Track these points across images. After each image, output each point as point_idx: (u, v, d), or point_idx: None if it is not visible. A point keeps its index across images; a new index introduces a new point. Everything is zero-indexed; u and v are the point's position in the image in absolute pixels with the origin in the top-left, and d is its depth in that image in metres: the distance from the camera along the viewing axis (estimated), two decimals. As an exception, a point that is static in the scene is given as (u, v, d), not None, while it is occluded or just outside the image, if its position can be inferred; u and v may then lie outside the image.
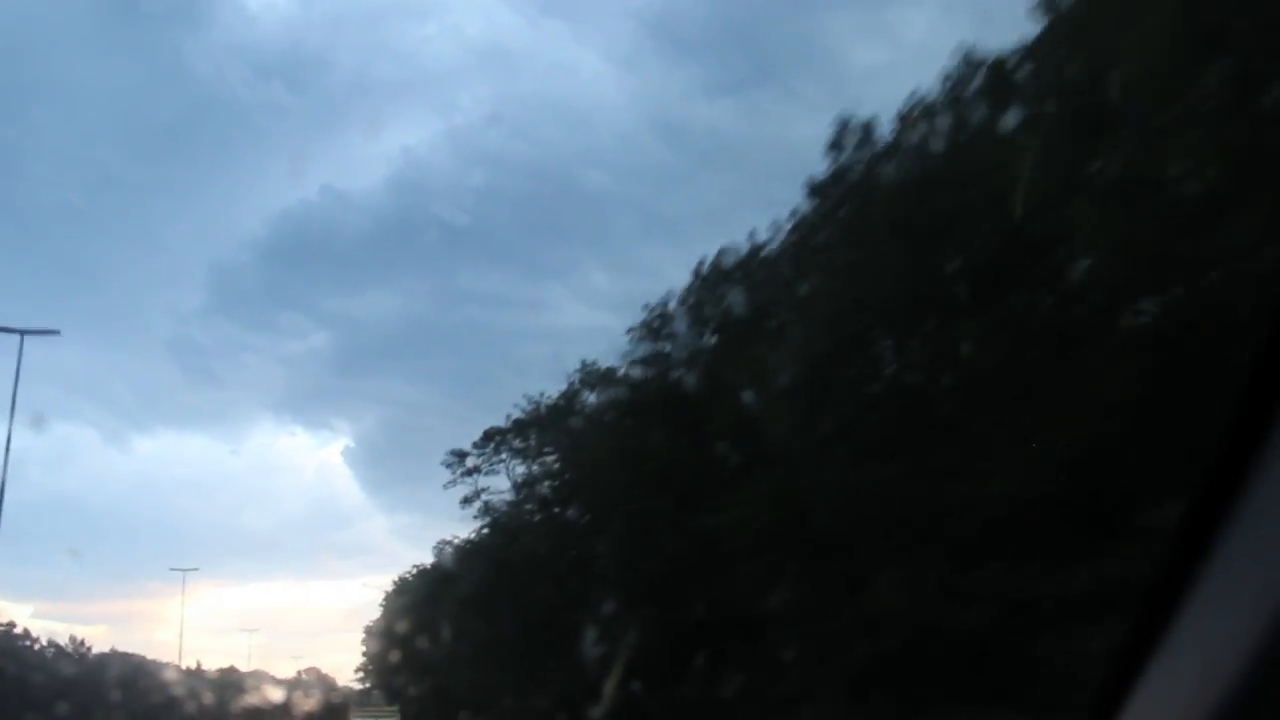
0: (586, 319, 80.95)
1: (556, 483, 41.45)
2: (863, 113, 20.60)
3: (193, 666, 75.26)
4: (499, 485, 48.75)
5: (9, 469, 31.09)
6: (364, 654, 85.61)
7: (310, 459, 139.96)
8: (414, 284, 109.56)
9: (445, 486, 49.04)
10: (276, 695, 63.14)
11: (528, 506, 45.53)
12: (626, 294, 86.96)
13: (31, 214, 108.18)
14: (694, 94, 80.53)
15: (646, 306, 31.82)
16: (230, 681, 67.55)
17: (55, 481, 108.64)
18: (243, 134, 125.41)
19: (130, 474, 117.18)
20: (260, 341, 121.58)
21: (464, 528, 52.62)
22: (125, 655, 66.92)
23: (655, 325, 31.03)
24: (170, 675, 58.57)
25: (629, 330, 32.34)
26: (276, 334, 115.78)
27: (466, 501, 49.18)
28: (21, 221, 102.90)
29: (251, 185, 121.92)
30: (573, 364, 39.95)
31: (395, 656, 55.83)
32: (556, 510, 39.40)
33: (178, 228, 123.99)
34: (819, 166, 22.12)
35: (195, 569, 60.55)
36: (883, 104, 20.88)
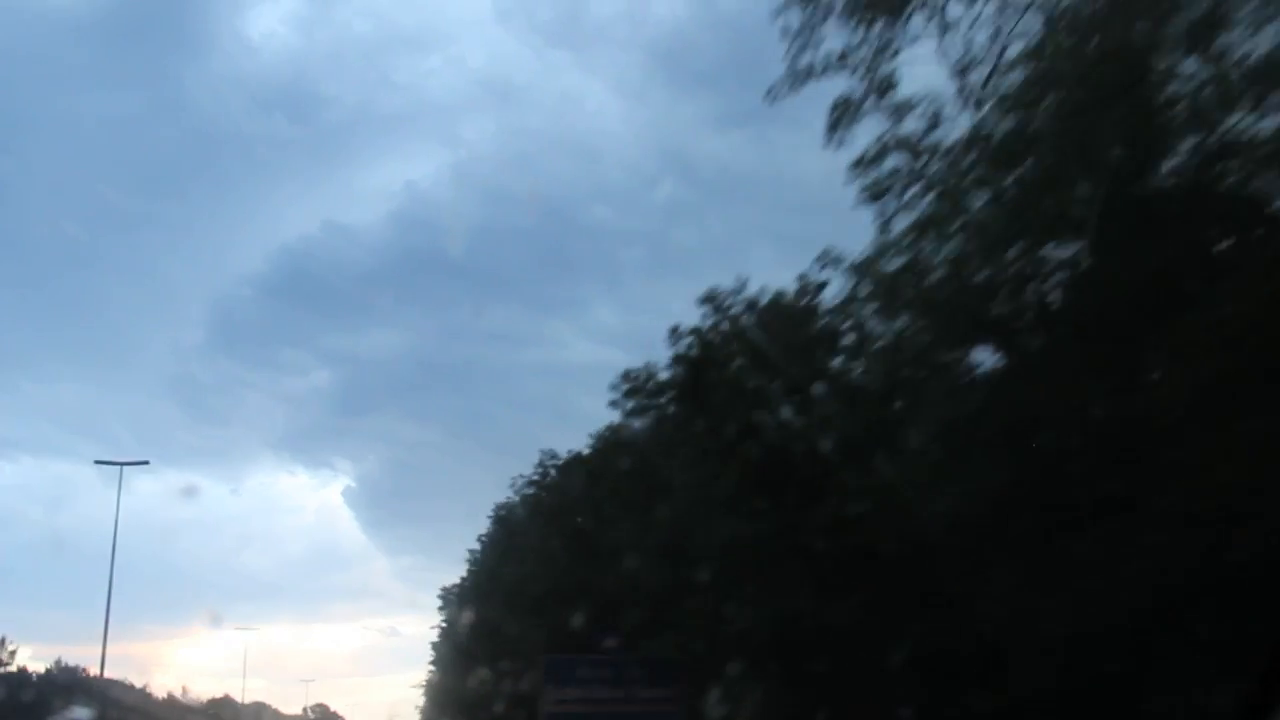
0: (594, 356, 78.29)
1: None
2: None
3: (176, 693, 70.61)
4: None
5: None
6: (442, 623, 65.72)
7: (311, 499, 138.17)
8: (417, 321, 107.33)
9: (769, 97, 17.57)
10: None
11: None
12: (634, 331, 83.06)
13: (29, 248, 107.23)
14: (703, 126, 77.91)
15: None
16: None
17: (53, 521, 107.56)
18: (244, 167, 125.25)
19: (129, 514, 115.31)
20: (261, 379, 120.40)
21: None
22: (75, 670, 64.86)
23: None
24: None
25: None
26: (277, 371, 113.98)
27: (861, 167, 18.11)
28: (20, 255, 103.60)
29: (252, 219, 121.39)
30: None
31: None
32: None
33: (177, 262, 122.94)
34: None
35: (145, 463, 52.58)
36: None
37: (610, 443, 31.75)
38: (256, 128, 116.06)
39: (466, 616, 49.63)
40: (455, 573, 58.96)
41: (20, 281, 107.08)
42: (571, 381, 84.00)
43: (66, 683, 59.84)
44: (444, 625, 65.54)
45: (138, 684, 74.73)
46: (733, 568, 22.22)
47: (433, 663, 75.39)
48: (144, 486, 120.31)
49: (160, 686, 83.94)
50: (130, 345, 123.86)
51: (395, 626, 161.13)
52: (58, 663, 69.06)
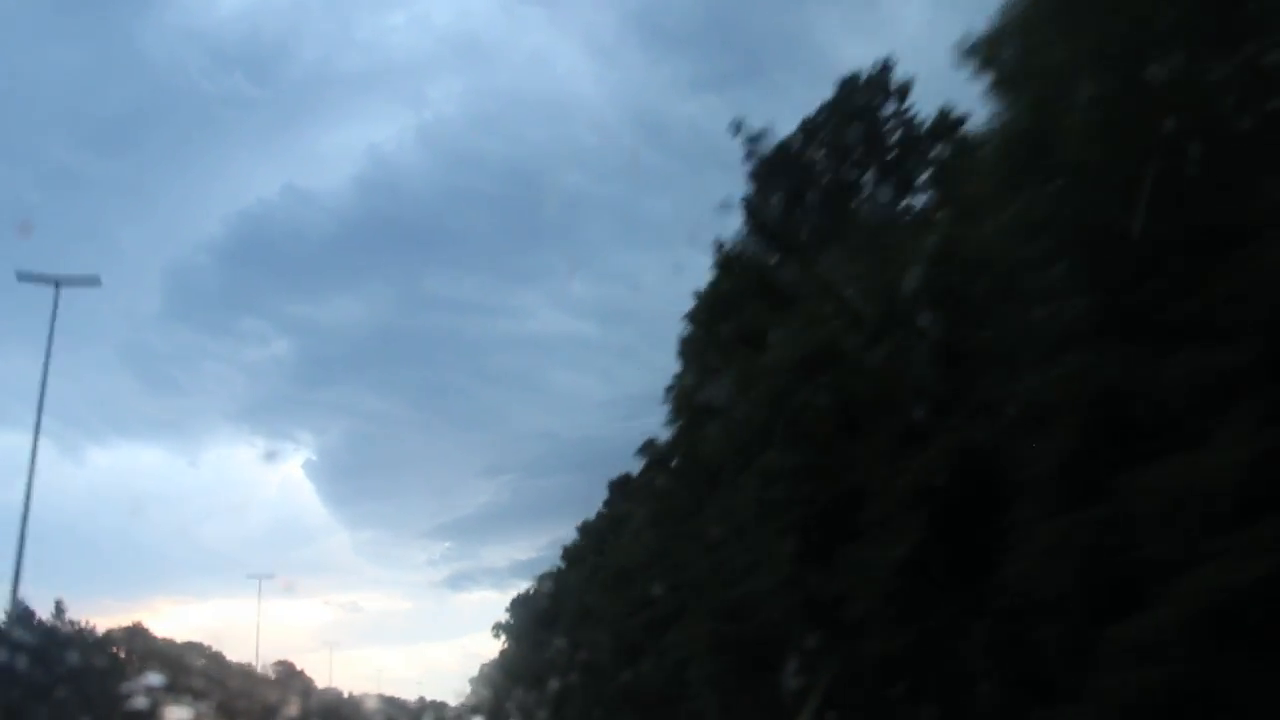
0: (565, 327, 74.67)
1: None
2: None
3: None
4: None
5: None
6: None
7: (271, 472, 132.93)
8: (381, 289, 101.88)
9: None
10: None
11: None
12: (606, 301, 79.07)
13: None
14: (677, 90, 74.08)
15: None
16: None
17: (4, 495, 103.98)
18: (200, 127, 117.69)
19: (85, 487, 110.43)
20: (219, 348, 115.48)
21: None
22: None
23: None
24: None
25: None
26: (236, 341, 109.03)
27: None
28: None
29: (210, 182, 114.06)
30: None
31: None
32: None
33: (132, 227, 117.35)
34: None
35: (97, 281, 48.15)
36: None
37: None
38: (214, 86, 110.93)
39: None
40: (419, 548, 59.11)
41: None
42: (541, 353, 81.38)
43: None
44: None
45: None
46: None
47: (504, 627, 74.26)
48: (101, 460, 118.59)
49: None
50: (84, 312, 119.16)
51: (356, 602, 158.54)
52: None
